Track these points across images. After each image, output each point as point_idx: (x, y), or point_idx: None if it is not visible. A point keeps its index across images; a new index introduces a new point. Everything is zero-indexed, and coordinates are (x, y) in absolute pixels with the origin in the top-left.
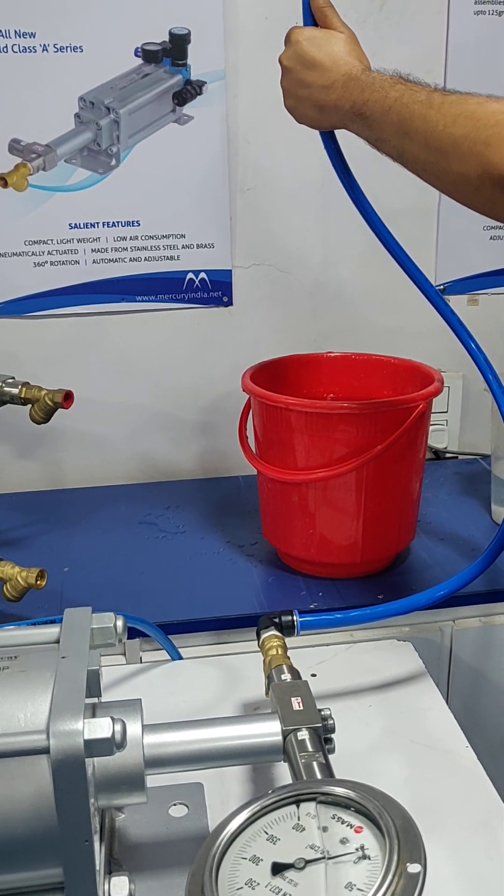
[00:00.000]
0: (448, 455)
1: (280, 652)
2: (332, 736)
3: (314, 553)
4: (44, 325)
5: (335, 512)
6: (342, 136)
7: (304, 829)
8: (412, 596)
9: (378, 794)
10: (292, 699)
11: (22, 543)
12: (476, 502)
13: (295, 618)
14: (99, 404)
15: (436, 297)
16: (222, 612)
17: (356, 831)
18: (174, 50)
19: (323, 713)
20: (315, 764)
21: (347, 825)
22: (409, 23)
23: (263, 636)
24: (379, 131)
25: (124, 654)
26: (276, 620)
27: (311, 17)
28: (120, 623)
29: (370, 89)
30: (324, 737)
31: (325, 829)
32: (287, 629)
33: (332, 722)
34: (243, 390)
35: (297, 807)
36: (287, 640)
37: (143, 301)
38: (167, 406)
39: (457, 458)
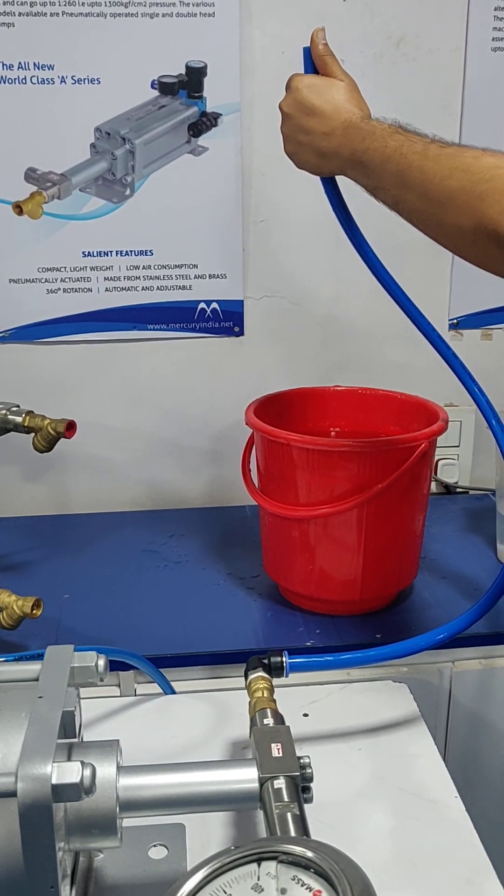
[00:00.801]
0: (458, 490)
1: (266, 695)
2: (311, 785)
3: (313, 589)
4: (55, 350)
5: (335, 548)
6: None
7: (262, 889)
8: (408, 640)
9: (340, 856)
10: (272, 745)
11: (24, 568)
12: (483, 540)
13: (284, 659)
14: (108, 430)
15: (437, 339)
16: (218, 646)
17: (315, 895)
18: (190, 82)
19: (302, 761)
20: (289, 816)
21: (307, 888)
22: (426, 59)
23: (250, 677)
24: (377, 180)
25: (119, 686)
26: (265, 661)
27: (312, 65)
28: (101, 662)
29: (370, 138)
30: (301, 786)
31: (283, 890)
32: (276, 670)
33: (310, 771)
34: (246, 424)
35: (258, 865)
36: (281, 678)
37: (154, 330)
38: (176, 434)
39: (467, 493)
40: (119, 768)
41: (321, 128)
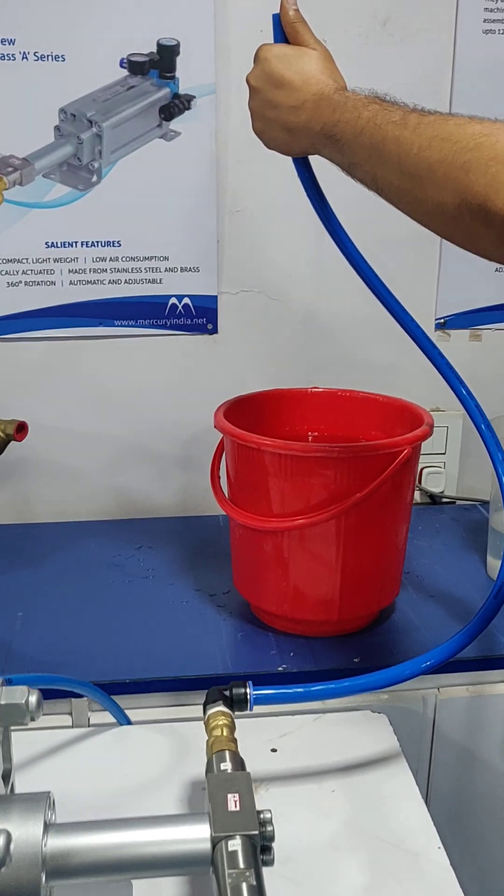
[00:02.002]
0: (444, 500)
1: (225, 733)
2: (272, 845)
3: (287, 608)
4: (16, 348)
5: (311, 564)
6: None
7: None
8: (389, 669)
9: None
10: (228, 796)
11: None
12: (473, 555)
13: (248, 691)
14: (72, 434)
15: (423, 338)
16: (181, 671)
17: None
18: (162, 62)
19: (262, 816)
20: (244, 887)
21: None
22: (413, 40)
23: (209, 712)
24: (351, 155)
25: (71, 714)
26: (226, 693)
27: (282, 34)
28: (33, 699)
29: (342, 109)
30: (261, 845)
31: None
32: (238, 704)
33: (271, 829)
34: (215, 427)
35: None
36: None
37: (122, 326)
38: (145, 438)
39: (454, 503)
40: (48, 827)
41: (290, 101)
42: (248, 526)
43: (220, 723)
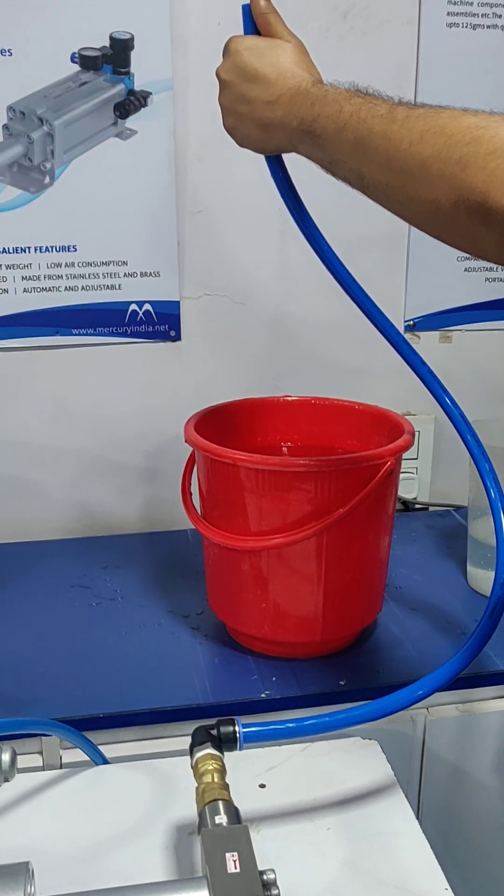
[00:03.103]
0: (418, 506)
1: (216, 779)
2: None
3: (267, 631)
4: None
5: (292, 583)
6: (293, 155)
7: None
8: (381, 700)
9: None
10: (227, 856)
11: None
12: (451, 563)
13: (237, 729)
14: (31, 449)
15: (401, 342)
16: (158, 702)
17: None
18: (115, 56)
19: (265, 878)
20: None
21: None
22: (375, 33)
23: (197, 755)
24: (333, 152)
25: (41, 754)
26: (214, 732)
27: (253, 25)
28: (6, 757)
29: (321, 103)
30: None
31: None
32: (227, 743)
33: (276, 892)
34: (186, 441)
35: None
36: None
37: (80, 335)
38: (108, 451)
39: (427, 509)
40: None
41: (264, 96)
42: (223, 545)
43: (210, 767)
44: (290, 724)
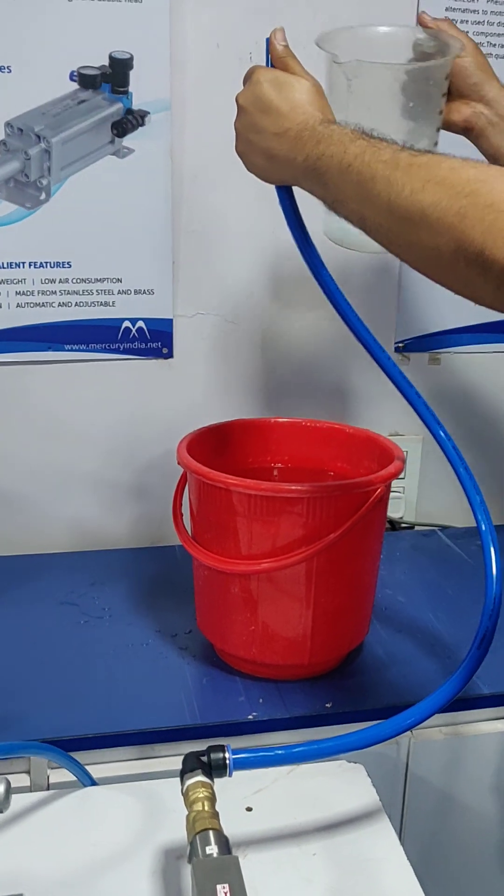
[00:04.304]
0: (403, 525)
1: (207, 808)
2: None
3: (255, 652)
4: None
5: (281, 606)
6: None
7: None
8: (370, 728)
9: None
10: (218, 888)
11: None
12: (435, 583)
13: (227, 755)
14: (19, 463)
15: (391, 368)
16: (146, 723)
17: None
18: (115, 75)
19: None
20: None
21: None
22: None
23: (187, 783)
24: (336, 191)
25: (29, 773)
26: (204, 759)
27: None
28: (1, 789)
29: (326, 142)
30: None
31: None
32: (217, 770)
33: None
34: (179, 463)
35: None
36: None
37: (72, 351)
38: (98, 466)
39: (412, 528)
40: None
41: (273, 127)
42: (214, 568)
43: (201, 795)
44: (280, 752)
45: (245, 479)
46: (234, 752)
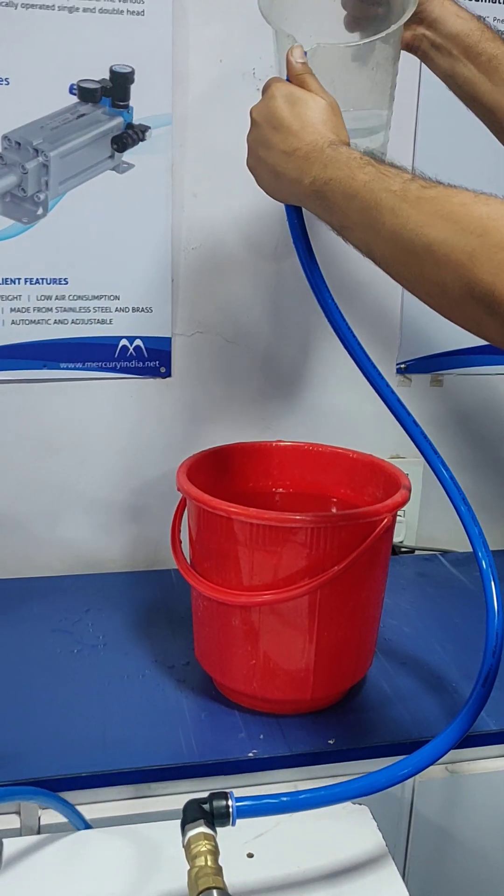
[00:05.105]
0: (403, 550)
1: (210, 862)
2: None
3: (256, 687)
4: None
5: (283, 639)
6: None
7: None
8: (376, 773)
9: None
10: None
11: None
12: (438, 611)
13: (230, 803)
14: (14, 482)
15: (387, 391)
16: (142, 760)
17: None
18: (115, 89)
19: None
20: None
21: None
22: None
23: (189, 835)
24: (342, 217)
25: (19, 814)
26: (206, 807)
27: None
28: None
29: (334, 166)
30: None
31: None
32: (220, 819)
33: None
34: (178, 489)
35: None
36: None
37: (68, 369)
38: (93, 487)
39: (413, 552)
40: None
41: (282, 145)
42: (214, 599)
43: (203, 849)
44: (285, 798)
45: (247, 507)
46: (238, 799)
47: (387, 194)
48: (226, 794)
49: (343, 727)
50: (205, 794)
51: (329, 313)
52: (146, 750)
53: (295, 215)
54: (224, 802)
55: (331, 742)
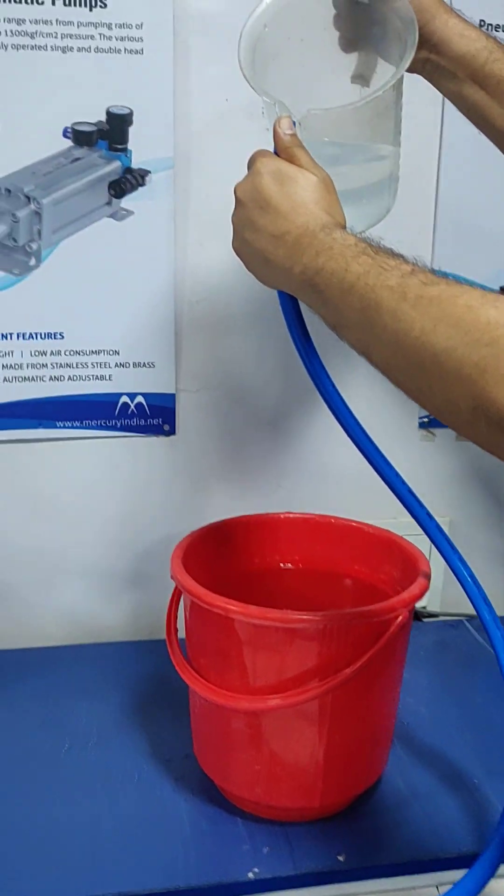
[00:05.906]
0: (426, 616)
1: None
2: None
3: (260, 794)
4: None
5: (289, 744)
6: None
7: None
8: None
9: None
10: None
11: None
12: (463, 688)
13: None
14: (7, 548)
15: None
16: (134, 884)
17: None
18: (112, 132)
19: None
20: None
21: None
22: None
23: None
24: (337, 315)
25: None
26: None
27: None
28: None
29: (327, 254)
30: None
31: None
32: None
33: None
34: (172, 578)
35: None
36: None
37: (65, 428)
38: (92, 552)
39: (437, 617)
40: None
41: (271, 227)
42: (213, 702)
43: None
44: None
45: (248, 605)
46: None
47: (385, 291)
48: None
49: (354, 837)
50: None
51: (328, 397)
52: (139, 870)
53: (289, 301)
54: None
55: (341, 858)
